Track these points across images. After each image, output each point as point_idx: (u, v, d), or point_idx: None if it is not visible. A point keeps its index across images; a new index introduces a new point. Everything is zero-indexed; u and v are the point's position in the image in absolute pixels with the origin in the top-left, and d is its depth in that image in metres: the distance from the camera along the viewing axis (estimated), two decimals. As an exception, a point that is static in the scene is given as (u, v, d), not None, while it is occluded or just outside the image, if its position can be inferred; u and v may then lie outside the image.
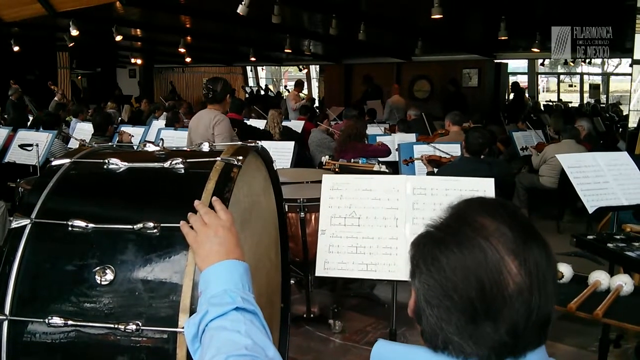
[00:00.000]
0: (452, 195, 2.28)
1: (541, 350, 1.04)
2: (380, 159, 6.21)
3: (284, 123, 8.57)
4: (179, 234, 1.47)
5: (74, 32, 9.98)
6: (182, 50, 12.80)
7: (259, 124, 8.10)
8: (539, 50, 11.02)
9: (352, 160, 5.50)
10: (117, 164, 1.73)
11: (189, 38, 12.81)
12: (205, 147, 1.83)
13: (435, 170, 5.30)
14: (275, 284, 2.35)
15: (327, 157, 5.36)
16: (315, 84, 20.38)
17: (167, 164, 1.69)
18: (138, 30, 13.11)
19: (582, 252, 3.87)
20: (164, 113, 9.92)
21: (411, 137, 7.47)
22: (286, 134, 7.77)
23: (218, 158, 1.68)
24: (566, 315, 3.94)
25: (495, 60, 14.48)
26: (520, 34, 10.44)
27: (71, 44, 11.51)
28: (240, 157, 1.68)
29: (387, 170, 4.93)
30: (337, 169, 4.94)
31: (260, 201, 2.06)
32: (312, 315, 4.41)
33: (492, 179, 2.25)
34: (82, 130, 7.68)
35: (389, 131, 8.86)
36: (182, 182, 1.68)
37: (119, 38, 11.11)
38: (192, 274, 1.47)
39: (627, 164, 3.40)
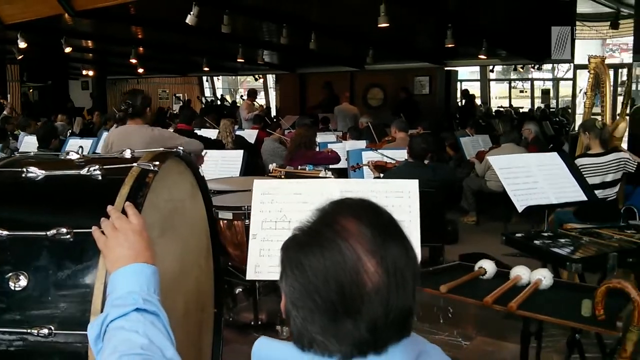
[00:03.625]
0: (379, 196, 2.34)
1: (405, 343, 1.08)
2: (331, 166, 6.29)
3: (238, 132, 8.59)
4: (91, 239, 1.50)
5: (22, 45, 9.84)
6: (133, 60, 12.70)
7: (212, 134, 8.09)
8: (486, 57, 11.29)
9: (300, 167, 5.55)
10: (35, 172, 1.74)
11: (140, 49, 12.72)
12: (127, 154, 1.85)
13: (382, 175, 5.39)
14: (207, 290, 2.38)
15: (274, 164, 5.39)
16: (272, 93, 20.42)
17: (84, 171, 1.71)
18: (89, 41, 12.98)
19: (530, 254, 4.00)
20: (115, 124, 9.80)
21: (361, 144, 7.57)
22: (239, 143, 7.78)
23: (134, 164, 1.71)
24: (510, 315, 4.06)
25: (446, 68, 14.76)
26: (467, 41, 10.68)
27: (20, 57, 11.31)
28: (157, 163, 1.71)
29: (332, 176, 4.99)
30: (282, 176, 4.98)
31: (185, 207, 2.08)
32: (259, 322, 4.42)
33: (417, 180, 2.32)
34: (29, 144, 7.56)
35: (342, 139, 8.95)
36: (98, 188, 1.70)
37: (68, 50, 10.98)
38: (103, 277, 1.49)
39: (557, 164, 3.52)
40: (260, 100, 17.92)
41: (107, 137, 4.73)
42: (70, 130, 10.92)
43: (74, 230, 1.55)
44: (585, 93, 6.02)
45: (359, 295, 1.00)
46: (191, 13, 7.74)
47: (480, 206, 7.85)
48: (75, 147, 6.80)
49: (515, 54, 13.55)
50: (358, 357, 1.03)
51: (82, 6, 8.39)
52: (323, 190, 2.44)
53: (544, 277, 2.32)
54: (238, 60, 12.37)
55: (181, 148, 1.94)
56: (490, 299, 2.11)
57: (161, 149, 1.92)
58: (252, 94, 13.38)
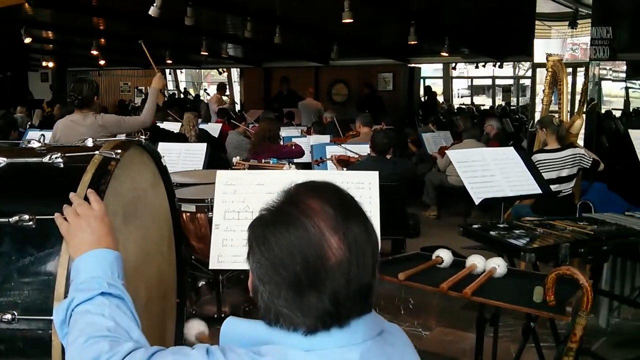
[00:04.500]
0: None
1: (367, 319, 1.14)
2: (295, 160, 6.33)
3: (201, 126, 8.54)
4: (54, 225, 1.51)
5: (-21, 35, 9.61)
6: (94, 52, 12.50)
7: (175, 127, 8.03)
8: (448, 55, 11.45)
9: (264, 160, 5.56)
10: (-3, 160, 1.74)
11: (102, 40, 12.52)
12: (89, 143, 1.86)
13: (345, 169, 5.46)
14: (169, 279, 2.39)
15: (237, 157, 5.40)
16: (236, 87, 20.33)
17: (46, 159, 1.72)
18: (49, 32, 12.72)
19: (486, 245, 4.11)
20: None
21: (325, 139, 7.62)
22: (202, 137, 7.74)
23: (97, 152, 1.72)
24: (472, 306, 4.15)
25: (409, 65, 14.91)
26: (430, 38, 10.81)
27: (-23, 47, 11.06)
28: (119, 151, 1.73)
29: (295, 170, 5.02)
30: (246, 169, 4.99)
31: (147, 195, 2.10)
32: (222, 315, 4.42)
33: (377, 172, 2.38)
34: (-14, 135, 7.40)
35: (306, 133, 8.99)
36: (60, 176, 1.72)
37: (28, 40, 10.74)
38: (66, 263, 1.51)
39: (513, 158, 3.62)
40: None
41: (54, 129, 4.60)
42: (29, 123, 10.71)
43: (37, 217, 1.57)
44: (543, 90, 6.17)
45: (323, 269, 1.06)
46: (154, 4, 7.67)
47: (442, 201, 8.00)
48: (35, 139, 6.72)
49: (477, 51, 13.77)
50: (322, 330, 1.09)
51: (43, -5, 8.25)
52: (286, 181, 2.47)
53: (498, 265, 2.40)
54: (202, 53, 12.29)
55: (143, 137, 1.96)
56: (445, 286, 2.18)
57: (123, 137, 1.93)
58: (222, 87, 13.40)
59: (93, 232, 1.45)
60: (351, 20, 7.69)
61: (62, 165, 1.72)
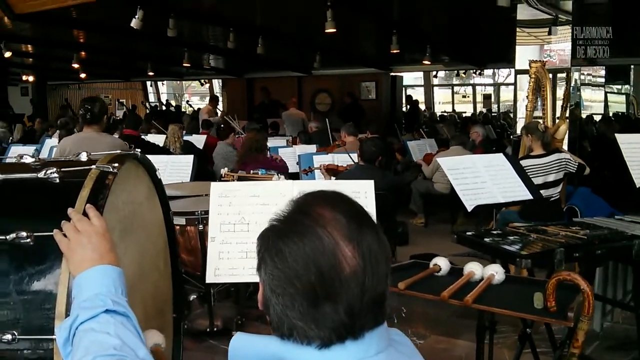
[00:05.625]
0: (336, 197, 2.38)
1: (380, 330, 1.12)
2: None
3: (186, 137, 8.48)
4: (53, 242, 1.48)
5: (-41, 49, 9.51)
6: (76, 65, 12.42)
7: (160, 139, 7.97)
8: (430, 63, 11.53)
9: (252, 171, 5.52)
10: (-10, 176, 1.70)
11: (83, 53, 12.45)
12: (83, 157, 1.83)
13: (333, 178, 5.44)
14: (166, 294, 2.35)
15: (225, 169, 5.35)
16: (219, 98, 20.32)
17: (41, 174, 1.68)
18: (29, 46, 12.62)
19: (474, 252, 4.10)
20: (57, 131, 9.55)
21: (312, 149, 7.62)
22: (187, 149, 7.69)
23: (93, 166, 1.69)
24: (463, 313, 4.13)
25: (391, 74, 14.99)
26: (412, 47, 10.89)
27: (-44, 62, 10.94)
28: (116, 165, 1.70)
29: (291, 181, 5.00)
30: (235, 180, 4.95)
31: (143, 209, 2.06)
32: (215, 329, 4.37)
33: (372, 181, 2.37)
34: (-32, 151, 7.31)
35: (292, 143, 8.98)
36: (57, 191, 1.68)
37: (8, 54, 10.65)
38: (66, 281, 1.47)
39: (503, 165, 3.64)
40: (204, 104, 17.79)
41: (63, 145, 4.60)
42: (10, 138, 10.58)
43: (35, 234, 1.53)
44: (527, 96, 6.20)
45: (337, 279, 1.04)
46: (136, 17, 7.64)
47: (428, 208, 8.02)
48: (17, 154, 6.66)
49: (458, 59, 13.89)
50: (337, 342, 1.06)
51: (22, 9, 8.16)
52: (281, 191, 2.46)
53: (496, 272, 2.40)
54: (184, 64, 12.27)
55: (138, 150, 1.93)
56: (446, 294, 2.17)
57: (117, 151, 1.90)
58: (214, 99, 13.51)
59: (94, 249, 1.42)
60: (334, 30, 7.71)
61: (57, 181, 1.68)
